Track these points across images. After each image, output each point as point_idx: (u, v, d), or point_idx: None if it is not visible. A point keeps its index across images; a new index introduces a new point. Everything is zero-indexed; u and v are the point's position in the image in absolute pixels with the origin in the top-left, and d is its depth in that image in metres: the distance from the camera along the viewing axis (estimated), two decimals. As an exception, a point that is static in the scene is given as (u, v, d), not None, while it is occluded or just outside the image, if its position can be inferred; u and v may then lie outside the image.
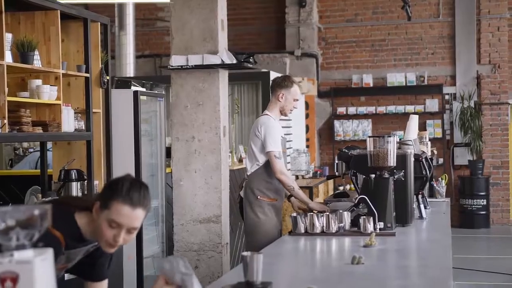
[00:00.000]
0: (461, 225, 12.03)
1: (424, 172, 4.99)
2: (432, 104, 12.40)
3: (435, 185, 6.32)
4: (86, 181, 5.70)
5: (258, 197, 5.13)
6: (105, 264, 2.81)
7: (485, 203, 12.00)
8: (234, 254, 7.14)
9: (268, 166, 5.11)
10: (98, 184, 5.92)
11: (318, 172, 11.35)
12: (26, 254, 1.79)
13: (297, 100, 5.31)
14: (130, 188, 2.50)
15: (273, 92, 5.31)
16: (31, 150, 8.76)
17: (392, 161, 4.33)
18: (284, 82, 5.26)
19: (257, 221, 5.11)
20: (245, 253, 2.66)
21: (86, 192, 5.74)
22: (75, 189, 5.58)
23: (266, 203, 5.14)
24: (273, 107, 5.28)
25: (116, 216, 2.47)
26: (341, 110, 12.71)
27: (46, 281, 1.80)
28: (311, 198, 8.71)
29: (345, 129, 12.70)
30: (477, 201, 11.98)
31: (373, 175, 4.34)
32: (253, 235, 5.13)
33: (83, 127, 5.68)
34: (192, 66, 5.75)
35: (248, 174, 5.23)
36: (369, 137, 4.43)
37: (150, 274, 6.67)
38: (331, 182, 11.43)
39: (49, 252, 1.83)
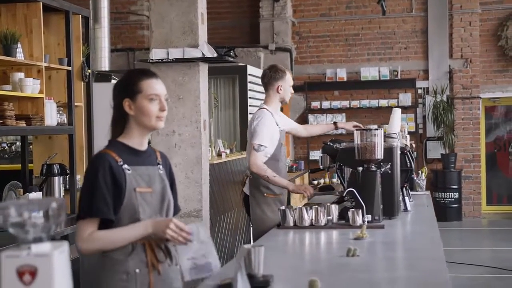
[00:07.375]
0: (434, 218, 12.17)
1: (408, 165, 5.03)
2: (405, 98, 12.49)
3: (415, 178, 6.37)
4: (68, 176, 5.65)
5: (265, 194, 5.10)
6: (176, 191, 3.02)
7: (457, 196, 12.15)
8: (216, 248, 7.11)
9: (271, 162, 5.04)
10: (80, 178, 5.87)
11: (294, 166, 11.40)
12: (44, 247, 1.77)
13: (292, 84, 5.38)
14: (140, 70, 2.88)
15: (269, 85, 5.26)
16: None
17: (379, 154, 4.35)
18: (278, 73, 5.25)
19: (265, 218, 5.07)
20: (246, 246, 2.67)
21: (68, 187, 5.69)
22: (58, 184, 5.53)
23: (272, 199, 5.10)
24: (272, 100, 5.25)
25: (151, 89, 2.80)
26: (315, 104, 12.75)
27: (64, 273, 1.79)
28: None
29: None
30: (449, 194, 12.13)
31: (360, 168, 4.35)
32: (260, 231, 5.05)
33: (65, 121, 5.62)
34: (172, 59, 5.72)
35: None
36: (357, 130, 4.44)
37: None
38: (306, 176, 11.50)
39: (65, 245, 1.81)
